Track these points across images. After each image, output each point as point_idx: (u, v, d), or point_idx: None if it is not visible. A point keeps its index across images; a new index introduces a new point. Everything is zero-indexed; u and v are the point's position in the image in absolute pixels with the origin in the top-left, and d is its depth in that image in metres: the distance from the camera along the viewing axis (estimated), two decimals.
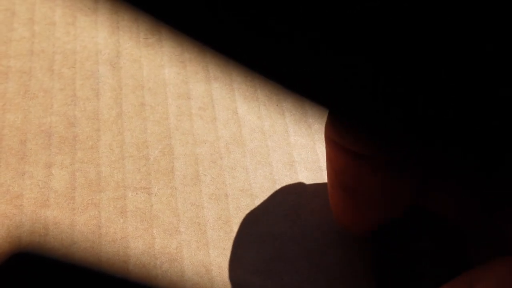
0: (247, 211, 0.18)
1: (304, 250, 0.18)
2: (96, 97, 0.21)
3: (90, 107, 0.21)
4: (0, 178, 0.19)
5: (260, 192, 0.19)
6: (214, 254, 0.17)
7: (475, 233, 0.15)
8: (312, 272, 0.17)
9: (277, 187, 0.19)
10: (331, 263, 0.17)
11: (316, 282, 0.17)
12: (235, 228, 0.18)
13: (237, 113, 0.20)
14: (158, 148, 0.20)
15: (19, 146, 0.19)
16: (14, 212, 0.18)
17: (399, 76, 0.07)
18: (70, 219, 0.18)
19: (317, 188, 0.19)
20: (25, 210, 0.18)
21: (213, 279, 0.17)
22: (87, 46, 0.22)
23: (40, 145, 0.20)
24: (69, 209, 0.18)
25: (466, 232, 0.15)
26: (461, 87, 0.07)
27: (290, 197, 0.19)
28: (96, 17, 0.22)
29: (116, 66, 0.21)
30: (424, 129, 0.08)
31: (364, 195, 0.14)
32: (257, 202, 0.18)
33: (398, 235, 0.15)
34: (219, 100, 0.21)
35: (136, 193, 0.19)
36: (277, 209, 0.18)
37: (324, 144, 0.15)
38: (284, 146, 0.20)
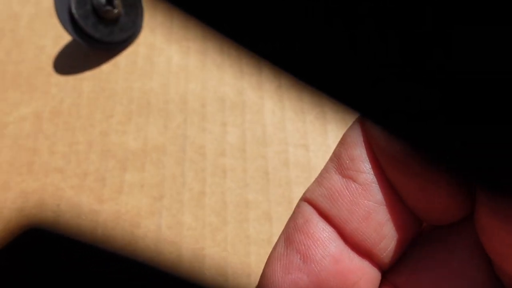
0: None
1: None
2: (259, 71, 0.25)
3: (254, 80, 0.25)
4: (187, 132, 0.23)
5: None
6: None
7: None
8: None
9: None
10: None
11: None
12: None
13: None
14: (312, 113, 0.23)
15: (200, 109, 0.24)
16: (199, 159, 0.22)
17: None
18: (242, 167, 0.22)
19: None
20: (207, 157, 0.22)
21: None
22: None
23: (216, 108, 0.24)
24: (241, 159, 0.22)
25: None
26: None
27: None
28: None
29: None
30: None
31: None
32: None
33: None
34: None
35: (296, 149, 0.22)
36: None
37: None
38: None
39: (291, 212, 0.11)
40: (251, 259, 0.20)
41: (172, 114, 0.24)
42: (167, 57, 0.26)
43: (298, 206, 0.11)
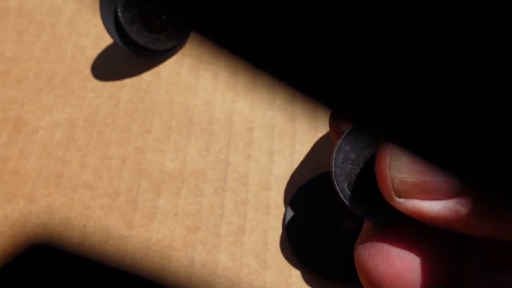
0: None
1: None
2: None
3: (308, 105, 0.22)
4: (229, 158, 0.21)
5: None
6: None
7: None
8: None
9: None
10: None
11: None
12: None
13: None
14: None
15: (246, 132, 0.22)
16: (241, 189, 0.20)
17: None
18: (287, 202, 0.20)
19: None
20: (249, 189, 0.20)
21: None
22: None
23: (264, 134, 0.22)
24: (288, 195, 0.20)
25: None
26: None
27: None
28: None
29: None
30: None
31: None
32: None
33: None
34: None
35: None
36: None
37: None
38: None
39: None
40: None
41: (215, 136, 0.22)
42: (214, 72, 0.24)
43: None
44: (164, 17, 0.23)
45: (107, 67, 0.25)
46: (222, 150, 0.21)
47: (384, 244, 0.12)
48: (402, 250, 0.12)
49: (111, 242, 0.20)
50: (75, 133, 0.23)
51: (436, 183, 0.11)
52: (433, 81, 0.06)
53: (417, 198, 0.11)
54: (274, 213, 0.20)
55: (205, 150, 0.22)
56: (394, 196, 0.11)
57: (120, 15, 0.22)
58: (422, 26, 0.06)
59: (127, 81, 0.24)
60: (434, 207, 0.11)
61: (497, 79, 0.06)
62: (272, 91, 0.23)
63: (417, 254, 0.12)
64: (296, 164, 0.21)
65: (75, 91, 0.24)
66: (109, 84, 0.24)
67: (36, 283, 0.20)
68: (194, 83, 0.24)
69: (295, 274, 0.18)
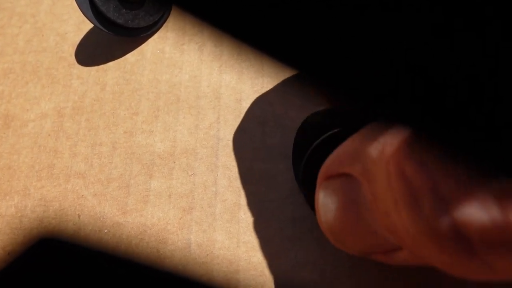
0: None
1: None
2: None
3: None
4: (220, 133, 0.20)
5: None
6: None
7: None
8: None
9: None
10: None
11: None
12: None
13: None
14: None
15: (235, 104, 0.21)
16: (234, 164, 0.19)
17: None
18: (284, 174, 0.19)
19: None
20: (243, 163, 0.19)
21: None
22: None
23: (254, 104, 0.21)
24: (283, 165, 0.19)
25: None
26: None
27: None
28: None
29: None
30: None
31: None
32: None
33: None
34: None
35: None
36: None
37: None
38: None
39: None
40: (294, 285, 0.17)
41: (203, 112, 0.21)
42: (199, 44, 0.23)
43: None
44: None
45: (91, 52, 0.24)
46: (212, 125, 0.20)
47: None
48: None
49: (106, 231, 0.19)
50: (63, 122, 0.22)
51: None
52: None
53: None
54: (269, 185, 0.19)
55: (195, 127, 0.21)
56: None
57: None
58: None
59: (112, 64, 0.23)
60: None
61: None
62: (259, 58, 0.22)
63: None
64: (289, 131, 0.20)
65: (61, 80, 0.24)
66: (94, 69, 0.23)
67: (37, 279, 0.20)
68: (179, 59, 0.23)
69: (296, 248, 0.17)
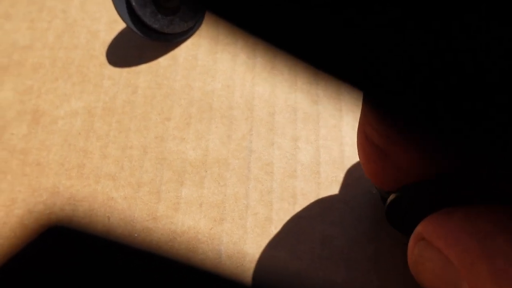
0: None
1: None
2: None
3: (332, 87, 0.21)
4: (252, 145, 0.21)
5: None
6: None
7: None
8: None
9: None
10: None
11: None
12: None
13: None
14: None
15: (268, 118, 0.21)
16: (266, 178, 0.20)
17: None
18: (316, 192, 0.19)
19: None
20: (274, 178, 0.20)
21: None
22: None
23: (287, 119, 0.21)
24: (314, 182, 0.19)
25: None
26: None
27: None
28: None
29: None
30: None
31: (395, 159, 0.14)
32: None
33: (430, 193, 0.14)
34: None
35: None
36: None
37: None
38: None
39: None
40: None
41: (236, 122, 0.21)
42: (232, 54, 0.23)
43: None
44: None
45: (123, 53, 0.24)
46: (245, 137, 0.21)
47: None
48: None
49: (136, 235, 0.20)
50: (94, 122, 0.23)
51: None
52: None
53: None
54: (300, 203, 0.19)
55: (227, 137, 0.21)
56: None
57: None
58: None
59: (144, 67, 0.23)
60: None
61: None
62: (293, 72, 0.22)
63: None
64: (321, 150, 0.20)
65: (92, 79, 0.24)
66: (126, 71, 0.24)
67: (63, 278, 0.20)
68: (212, 67, 0.23)
69: (324, 267, 0.18)
